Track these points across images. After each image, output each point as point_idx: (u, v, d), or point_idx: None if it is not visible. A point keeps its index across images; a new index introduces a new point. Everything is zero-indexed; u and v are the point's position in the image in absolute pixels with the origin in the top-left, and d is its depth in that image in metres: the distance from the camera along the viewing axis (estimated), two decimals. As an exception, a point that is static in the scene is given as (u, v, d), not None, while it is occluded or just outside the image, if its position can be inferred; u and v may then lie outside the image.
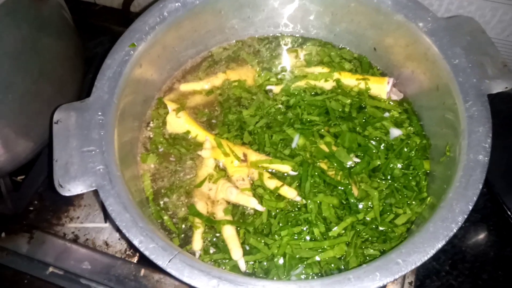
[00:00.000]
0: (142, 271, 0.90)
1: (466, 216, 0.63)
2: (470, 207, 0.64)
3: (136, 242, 0.63)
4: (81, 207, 0.99)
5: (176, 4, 0.85)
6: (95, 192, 0.68)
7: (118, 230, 0.75)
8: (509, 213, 0.93)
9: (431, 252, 0.61)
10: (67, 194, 0.67)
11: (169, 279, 0.89)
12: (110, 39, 0.82)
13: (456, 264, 0.96)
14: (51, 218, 0.98)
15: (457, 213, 0.63)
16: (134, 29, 0.82)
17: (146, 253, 0.63)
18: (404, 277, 0.89)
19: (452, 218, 0.63)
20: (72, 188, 0.67)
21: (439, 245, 0.61)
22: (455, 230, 0.62)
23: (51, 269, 0.91)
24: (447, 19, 0.81)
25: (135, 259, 0.92)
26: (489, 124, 0.70)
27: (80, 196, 1.00)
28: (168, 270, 0.61)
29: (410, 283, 0.89)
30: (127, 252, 0.93)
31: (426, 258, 0.60)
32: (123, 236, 0.77)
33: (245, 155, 0.85)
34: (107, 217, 0.96)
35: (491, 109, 0.72)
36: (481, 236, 1.01)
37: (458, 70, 0.75)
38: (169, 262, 0.62)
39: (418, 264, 0.60)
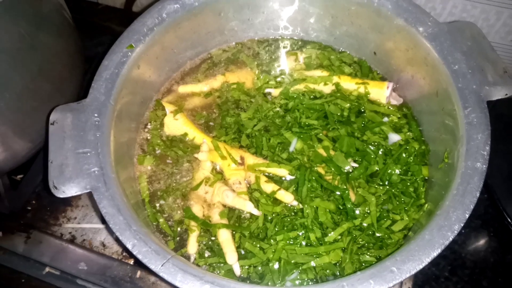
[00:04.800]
0: (138, 273, 0.90)
1: (462, 225, 0.62)
2: (467, 215, 0.63)
3: (129, 246, 0.63)
4: (78, 208, 0.99)
5: (175, 6, 0.84)
6: (91, 194, 0.67)
7: (112, 232, 0.74)
8: (509, 219, 0.92)
9: (426, 260, 0.60)
10: (61, 196, 0.67)
11: (165, 281, 0.89)
12: (112, 39, 0.81)
13: (455, 270, 0.95)
14: (48, 218, 0.98)
15: (453, 221, 0.63)
16: (132, 30, 0.82)
17: (139, 256, 0.62)
18: (401, 282, 0.88)
19: (449, 226, 0.62)
20: (67, 190, 0.67)
21: (435, 253, 0.61)
22: (451, 239, 0.61)
23: (47, 269, 0.91)
24: (448, 23, 0.80)
25: (131, 261, 0.92)
26: (488, 131, 0.69)
27: (77, 197, 1.00)
28: (161, 274, 0.61)
29: (407, 289, 0.88)
30: (124, 254, 0.93)
31: (421, 267, 0.60)
32: (117, 239, 0.77)
33: (242, 158, 0.84)
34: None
35: (493, 113, 0.71)
36: (481, 242, 1.00)
37: (458, 75, 0.74)
38: (162, 266, 0.61)
39: (413, 272, 0.59)
